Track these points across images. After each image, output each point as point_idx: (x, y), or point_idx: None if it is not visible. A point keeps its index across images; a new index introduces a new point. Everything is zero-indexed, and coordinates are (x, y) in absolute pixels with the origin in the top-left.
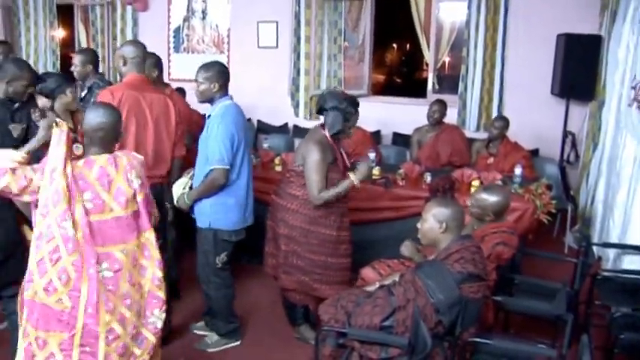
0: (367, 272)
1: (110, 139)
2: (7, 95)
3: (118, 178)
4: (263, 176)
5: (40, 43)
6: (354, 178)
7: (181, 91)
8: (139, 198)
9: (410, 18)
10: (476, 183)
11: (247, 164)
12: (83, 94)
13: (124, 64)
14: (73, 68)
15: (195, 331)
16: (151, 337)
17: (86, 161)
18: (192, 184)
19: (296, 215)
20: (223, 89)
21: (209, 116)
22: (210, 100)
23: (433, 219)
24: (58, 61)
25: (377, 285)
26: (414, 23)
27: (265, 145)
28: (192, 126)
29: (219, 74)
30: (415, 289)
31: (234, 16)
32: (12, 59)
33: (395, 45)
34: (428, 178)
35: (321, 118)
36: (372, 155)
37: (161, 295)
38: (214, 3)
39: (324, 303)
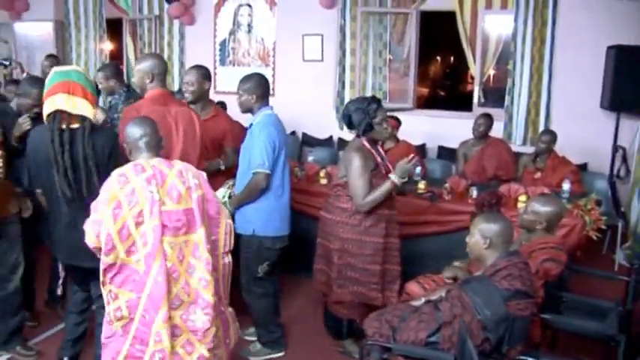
0: (412, 287)
1: (155, 144)
2: (17, 108)
3: (170, 175)
4: (307, 189)
5: (90, 56)
6: (393, 177)
7: (222, 105)
8: (194, 196)
9: (455, 31)
10: (523, 198)
11: (287, 172)
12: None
13: (152, 80)
14: (99, 86)
15: (245, 337)
16: (186, 335)
17: (147, 159)
18: (231, 194)
19: (347, 227)
20: (263, 100)
21: (250, 125)
22: (251, 111)
23: (479, 234)
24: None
25: (422, 300)
26: (459, 36)
27: (310, 158)
28: (238, 141)
29: (258, 85)
30: (462, 305)
31: (280, 29)
32: (29, 77)
33: (439, 58)
34: (474, 192)
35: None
36: (417, 169)
37: (206, 296)
38: (260, 16)
39: (369, 317)
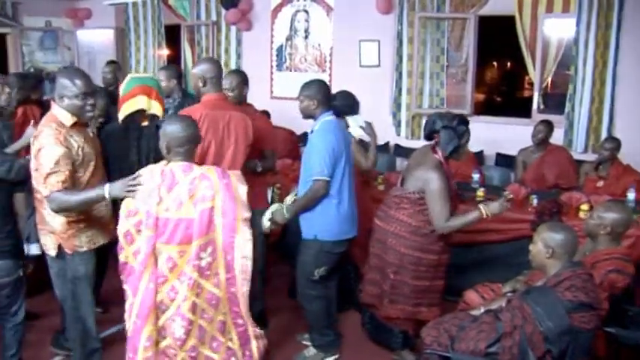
0: (471, 295)
1: (189, 149)
2: None
3: (183, 182)
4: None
5: (148, 62)
6: (485, 210)
7: (266, 114)
8: (199, 207)
9: (512, 35)
10: (584, 207)
11: (349, 177)
12: (171, 111)
13: (204, 84)
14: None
15: (302, 342)
16: (169, 340)
17: (162, 165)
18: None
19: (407, 242)
20: (323, 105)
21: (312, 132)
22: (313, 117)
23: (542, 243)
24: None
25: (482, 309)
26: (517, 41)
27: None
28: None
29: (319, 91)
30: (523, 316)
31: (337, 34)
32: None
33: (495, 63)
34: (534, 200)
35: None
36: (475, 176)
37: (184, 310)
38: (317, 22)
39: (427, 325)
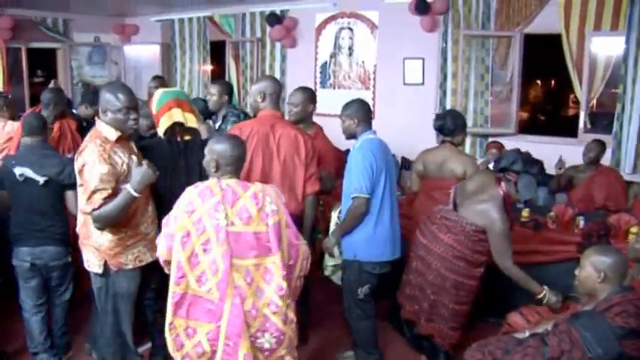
0: (515, 318)
1: (238, 166)
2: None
3: (244, 197)
4: (408, 214)
5: (193, 77)
6: (546, 295)
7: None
8: (271, 222)
9: (556, 53)
10: (634, 229)
11: (390, 196)
12: (218, 124)
13: (263, 99)
14: (208, 97)
15: None
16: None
17: (218, 181)
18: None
19: (450, 265)
20: (364, 124)
21: (352, 150)
22: (354, 136)
23: (591, 267)
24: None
25: (527, 333)
26: (562, 58)
27: (409, 182)
28: (336, 163)
29: (359, 110)
30: (571, 341)
31: (381, 52)
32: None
33: (539, 81)
34: (581, 222)
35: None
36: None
37: (276, 321)
38: (361, 39)
39: (470, 347)
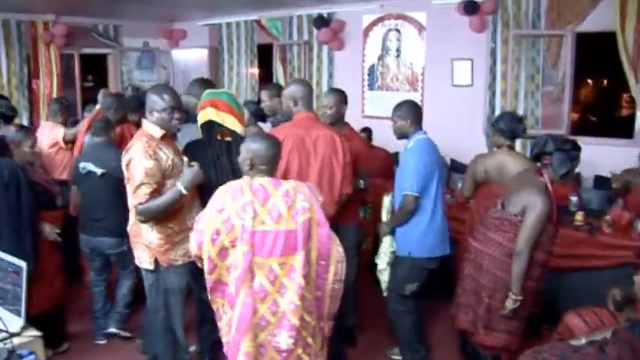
0: (572, 319)
1: (272, 166)
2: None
3: (275, 195)
4: (457, 216)
5: (241, 80)
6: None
7: (368, 131)
8: (300, 219)
9: (608, 52)
10: None
11: (442, 195)
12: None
13: (295, 104)
14: (262, 105)
15: (392, 356)
16: (272, 354)
17: (250, 180)
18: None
19: (503, 265)
20: (416, 125)
21: (405, 150)
22: (406, 136)
23: None
24: (257, 97)
25: (583, 340)
26: (615, 57)
27: (460, 185)
28: (374, 163)
29: (411, 111)
30: (633, 351)
31: (429, 54)
32: (198, 79)
33: (590, 81)
34: (639, 226)
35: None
36: (573, 199)
37: (293, 319)
38: (409, 41)
39: (524, 354)
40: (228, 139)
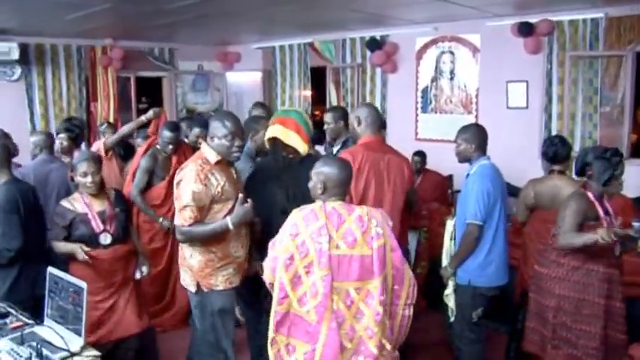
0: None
1: (345, 189)
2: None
3: (349, 220)
4: (515, 242)
5: (294, 103)
6: (602, 233)
7: (421, 155)
8: (375, 245)
9: None
10: None
11: (504, 223)
12: (335, 149)
13: (359, 124)
14: (325, 127)
15: None
16: None
17: (323, 204)
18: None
19: (563, 284)
20: (480, 149)
21: (467, 175)
22: (469, 160)
23: None
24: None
25: None
26: None
27: (515, 209)
28: (429, 187)
29: (476, 135)
30: None
31: (483, 76)
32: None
33: None
34: None
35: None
36: (636, 225)
37: (370, 346)
38: (463, 63)
39: None
40: (291, 156)
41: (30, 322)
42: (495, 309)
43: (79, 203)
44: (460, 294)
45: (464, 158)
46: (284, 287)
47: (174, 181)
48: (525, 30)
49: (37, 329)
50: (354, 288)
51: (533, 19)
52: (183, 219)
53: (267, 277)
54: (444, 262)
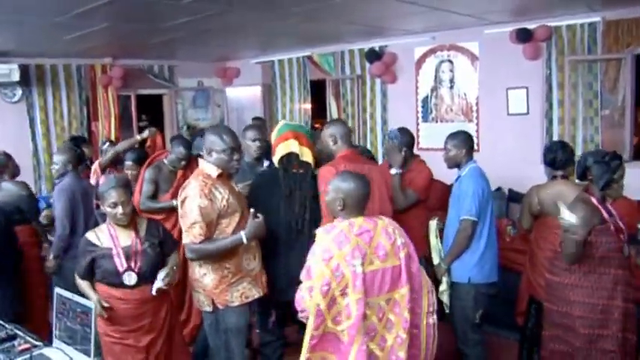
0: None
1: (365, 203)
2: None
3: (377, 233)
4: (521, 248)
5: (294, 116)
6: None
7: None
8: (402, 254)
9: None
10: None
11: (494, 224)
12: None
13: (335, 142)
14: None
15: None
16: None
17: (350, 223)
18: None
19: (577, 290)
20: (469, 154)
21: (458, 177)
22: (458, 165)
23: None
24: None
25: None
26: None
27: (519, 216)
28: (433, 196)
29: (466, 141)
30: None
31: (483, 83)
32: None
33: None
34: None
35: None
36: None
37: (400, 354)
38: (462, 71)
39: None
40: (301, 171)
41: (38, 343)
42: (502, 315)
43: (105, 236)
44: (460, 295)
45: (454, 164)
46: (321, 312)
47: (178, 200)
48: (523, 36)
49: (46, 351)
50: (384, 300)
51: (531, 26)
52: (192, 236)
53: (306, 305)
54: (435, 260)
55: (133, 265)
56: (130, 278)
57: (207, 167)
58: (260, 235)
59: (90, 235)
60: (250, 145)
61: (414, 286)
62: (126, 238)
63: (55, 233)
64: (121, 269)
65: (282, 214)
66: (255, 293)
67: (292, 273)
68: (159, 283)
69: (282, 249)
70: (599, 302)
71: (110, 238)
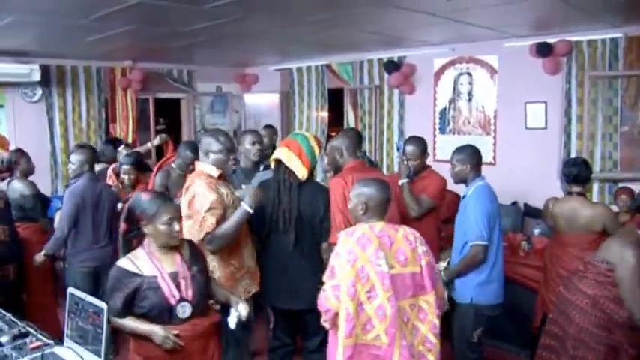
0: None
1: (386, 209)
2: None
3: (398, 239)
4: (535, 264)
5: (311, 124)
6: None
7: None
8: (423, 261)
9: None
10: None
11: (501, 243)
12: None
13: (341, 155)
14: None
15: None
16: None
17: (370, 226)
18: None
19: (585, 316)
20: (476, 170)
21: (464, 197)
22: (465, 181)
23: None
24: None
25: None
26: None
27: (536, 231)
28: (445, 207)
29: (471, 156)
30: None
31: (501, 96)
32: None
33: None
34: None
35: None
36: None
37: (431, 359)
38: (481, 84)
39: None
40: (292, 179)
41: (50, 342)
42: (513, 331)
43: (144, 263)
44: (461, 315)
45: (460, 179)
46: (351, 317)
47: (185, 201)
48: (543, 50)
49: (57, 349)
50: (409, 305)
51: (551, 40)
52: (207, 227)
53: (332, 304)
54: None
55: (185, 294)
56: (184, 310)
57: (207, 168)
58: (261, 200)
59: (125, 264)
60: (249, 149)
61: (438, 292)
62: (170, 264)
63: (55, 233)
64: (173, 301)
65: (272, 220)
66: (253, 289)
67: (295, 285)
68: (242, 312)
69: (286, 261)
70: (600, 334)
71: (152, 264)
